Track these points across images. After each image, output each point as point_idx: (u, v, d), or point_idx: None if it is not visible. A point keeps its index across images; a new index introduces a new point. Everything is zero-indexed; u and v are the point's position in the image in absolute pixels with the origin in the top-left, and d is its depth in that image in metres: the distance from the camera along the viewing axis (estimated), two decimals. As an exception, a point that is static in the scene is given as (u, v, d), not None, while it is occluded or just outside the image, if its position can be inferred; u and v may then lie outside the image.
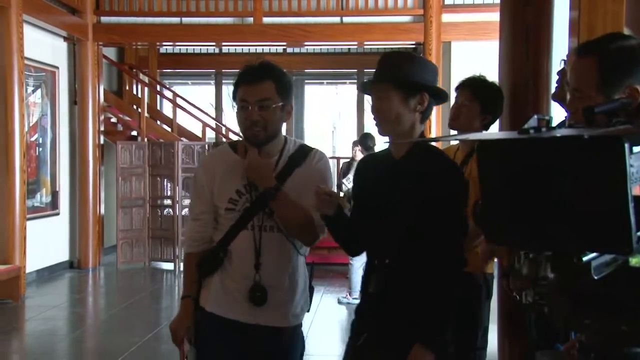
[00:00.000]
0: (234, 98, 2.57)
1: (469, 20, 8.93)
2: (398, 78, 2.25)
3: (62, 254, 9.06)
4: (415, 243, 2.26)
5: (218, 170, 2.68)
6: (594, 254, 1.34)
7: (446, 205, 2.23)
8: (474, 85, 3.02)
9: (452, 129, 3.09)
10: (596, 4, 2.83)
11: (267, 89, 2.49)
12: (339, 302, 7.25)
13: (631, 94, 1.63)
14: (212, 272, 2.67)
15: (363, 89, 2.49)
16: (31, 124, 8.27)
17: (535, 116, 1.62)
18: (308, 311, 2.76)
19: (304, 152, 2.67)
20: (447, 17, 8.91)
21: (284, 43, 10.16)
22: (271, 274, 2.59)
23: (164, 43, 10.63)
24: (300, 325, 2.74)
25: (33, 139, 8.31)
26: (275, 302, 2.60)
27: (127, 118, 10.07)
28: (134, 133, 9.92)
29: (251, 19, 9.20)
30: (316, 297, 8.00)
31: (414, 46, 9.49)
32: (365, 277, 2.50)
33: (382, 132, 2.36)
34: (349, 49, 11.00)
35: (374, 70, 2.35)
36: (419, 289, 2.25)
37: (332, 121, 14.34)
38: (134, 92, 10.81)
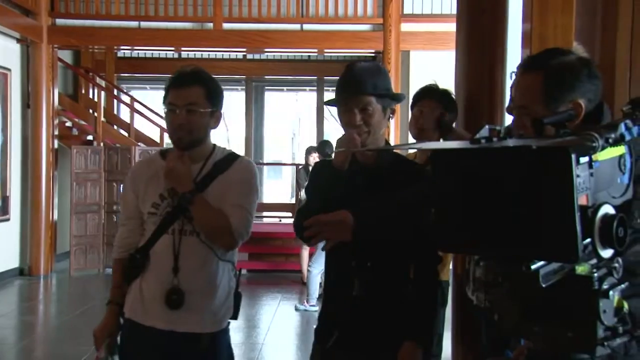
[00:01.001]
0: (164, 101, 2.60)
1: (428, 30, 9.12)
2: (377, 90, 2.33)
3: (12, 261, 9.00)
4: (395, 245, 2.31)
5: (144, 176, 2.72)
6: (542, 262, 1.37)
7: (421, 207, 2.18)
8: (434, 93, 3.08)
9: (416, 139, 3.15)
10: (547, 17, 2.93)
11: (195, 94, 2.54)
12: (296, 309, 7.31)
13: (575, 107, 1.70)
14: (134, 277, 2.70)
15: (333, 102, 2.50)
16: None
17: (487, 126, 1.65)
18: (234, 318, 2.77)
19: (230, 159, 2.71)
20: (405, 27, 9.09)
21: (244, 49, 10.26)
22: (189, 278, 2.62)
23: (122, 47, 10.59)
24: (224, 331, 2.75)
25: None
26: (192, 306, 2.62)
27: (83, 122, 10.07)
28: (90, 137, 9.93)
29: (211, 25, 9.25)
30: (273, 304, 7.77)
31: (373, 54, 9.64)
32: (337, 280, 2.53)
33: (361, 143, 2.36)
34: (309, 56, 11.12)
35: (339, 78, 2.42)
36: (401, 290, 2.35)
37: (292, 128, 14.48)
38: (90, 96, 10.79)
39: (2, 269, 8.79)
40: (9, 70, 8.78)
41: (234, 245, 2.69)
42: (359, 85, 2.36)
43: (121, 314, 2.73)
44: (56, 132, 9.38)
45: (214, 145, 2.75)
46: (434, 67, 7.78)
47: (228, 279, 2.74)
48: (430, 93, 3.07)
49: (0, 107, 8.61)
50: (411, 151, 3.27)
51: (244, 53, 10.87)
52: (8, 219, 8.84)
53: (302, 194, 7.18)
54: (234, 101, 12.98)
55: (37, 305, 8.10)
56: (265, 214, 11.21)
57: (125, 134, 10.12)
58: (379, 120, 2.36)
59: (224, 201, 2.60)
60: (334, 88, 2.74)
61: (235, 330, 6.17)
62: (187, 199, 2.56)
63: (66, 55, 10.42)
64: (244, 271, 8.65)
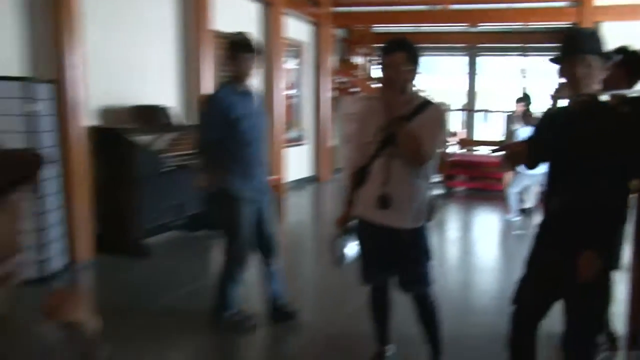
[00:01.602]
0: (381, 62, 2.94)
1: (619, 3, 9.15)
2: (592, 50, 2.39)
3: (309, 171, 11.00)
4: (594, 174, 2.38)
5: (365, 115, 3.12)
6: None
7: (623, 145, 2.37)
8: (624, 54, 3.02)
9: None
10: None
11: (400, 57, 2.84)
12: (502, 219, 7.92)
13: None
14: (359, 185, 3.08)
15: (556, 59, 2.49)
16: (288, 83, 9.84)
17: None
18: (429, 220, 3.05)
19: (427, 104, 2.97)
20: (598, 1, 9.35)
21: (466, 24, 11.32)
22: (394, 188, 2.93)
23: (375, 25, 11.88)
24: (421, 228, 3.01)
25: (289, 93, 10.01)
26: (397, 208, 2.94)
27: (351, 79, 11.66)
28: (355, 89, 11.49)
29: (440, 6, 10.32)
30: (483, 214, 9.18)
31: (570, 25, 9.84)
32: (547, 198, 2.69)
33: (573, 93, 2.44)
34: (516, 27, 11.26)
35: (563, 40, 2.50)
36: (594, 209, 2.37)
37: (501, 84, 14.22)
38: (356, 60, 12.34)
39: (304, 176, 10.64)
40: (305, 43, 10.64)
41: (423, 165, 2.92)
42: (578, 45, 2.41)
43: (352, 210, 3.16)
44: (334, 86, 11.22)
45: (415, 92, 3.01)
46: (625, 37, 7.91)
47: (424, 190, 3.00)
48: (620, 52, 3.00)
49: (299, 68, 10.54)
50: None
51: (466, 27, 11.62)
52: (305, 144, 10.82)
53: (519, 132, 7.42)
54: (457, 63, 13.58)
55: (325, 200, 10.01)
56: (477, 147, 11.90)
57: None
58: (593, 73, 2.38)
59: (420, 133, 2.82)
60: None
61: (454, 230, 7.79)
62: (397, 123, 2.83)
63: (340, 32, 12.01)
64: (461, 188, 10.25)
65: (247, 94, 3.78)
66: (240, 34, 3.76)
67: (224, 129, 3.67)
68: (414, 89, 2.99)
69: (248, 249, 3.91)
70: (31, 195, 0.97)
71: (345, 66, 11.90)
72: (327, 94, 11.11)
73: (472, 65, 13.39)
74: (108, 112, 6.16)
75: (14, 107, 4.70)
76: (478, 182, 10.15)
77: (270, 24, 9.08)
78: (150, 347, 3.80)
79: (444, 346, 3.26)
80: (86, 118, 5.60)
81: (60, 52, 5.29)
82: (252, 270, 4.06)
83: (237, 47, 3.69)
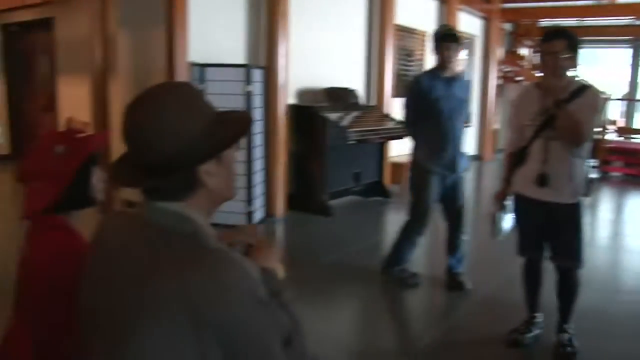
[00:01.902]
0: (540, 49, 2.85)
1: None
2: None
3: (472, 151, 10.59)
4: None
5: (524, 100, 3.04)
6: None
7: None
8: None
9: None
10: None
11: (559, 45, 2.76)
12: None
13: None
14: (517, 165, 3.04)
15: None
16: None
17: None
18: (586, 196, 2.94)
19: (583, 89, 2.86)
20: None
21: (632, 17, 10.55)
22: (553, 167, 2.87)
23: (541, 19, 11.31)
24: (577, 204, 2.92)
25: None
26: (554, 185, 2.89)
27: (516, 69, 11.32)
28: (520, 79, 11.17)
29: (606, 1, 9.83)
30: (634, 199, 8.43)
31: None
32: None
33: None
34: None
35: None
36: None
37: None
38: (521, 52, 11.78)
39: (468, 155, 10.50)
40: (475, 36, 10.63)
41: (580, 146, 2.85)
42: None
43: (510, 187, 3.12)
44: (499, 75, 11.08)
45: (572, 77, 2.89)
46: None
47: (580, 169, 2.91)
48: None
49: (469, 59, 10.48)
50: None
51: (631, 20, 10.87)
52: (470, 126, 10.21)
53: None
54: (619, 55, 12.82)
55: (487, 177, 9.64)
56: (635, 136, 11.05)
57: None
58: None
59: (578, 116, 2.75)
60: None
61: (606, 212, 7.22)
62: (557, 105, 2.77)
63: (507, 26, 11.72)
64: (618, 174, 9.68)
65: (450, 79, 3.84)
66: (443, 26, 3.86)
67: (423, 109, 3.81)
68: (573, 77, 2.90)
69: (428, 217, 3.99)
70: (239, 152, 1.09)
71: (511, 57, 11.56)
72: (492, 82, 10.94)
73: (635, 57, 12.43)
74: (305, 93, 6.56)
75: (237, 88, 5.20)
76: (634, 168, 9.64)
77: (446, 19, 9.03)
78: (323, 291, 4.01)
79: (591, 321, 3.18)
80: (288, 97, 5.99)
81: (272, 44, 5.74)
82: (433, 237, 4.12)
83: (439, 37, 3.79)
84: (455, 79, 3.87)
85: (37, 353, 1.41)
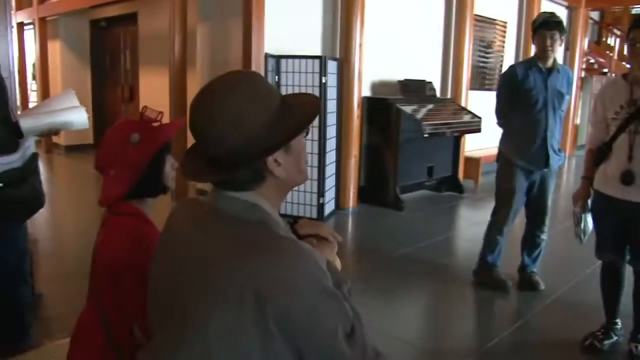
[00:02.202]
0: (626, 38, 2.73)
1: None
2: None
3: None
4: None
5: (609, 92, 2.87)
6: None
7: None
8: None
9: None
10: None
11: None
12: None
13: None
14: (601, 162, 2.88)
15: None
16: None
17: None
18: None
19: None
20: None
21: None
22: (639, 164, 2.69)
23: (635, 6, 10.92)
24: None
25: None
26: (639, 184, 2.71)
27: (602, 60, 10.93)
28: (605, 70, 10.79)
29: None
30: None
31: None
32: None
33: None
34: None
35: None
36: None
37: None
38: (609, 42, 11.50)
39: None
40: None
41: None
42: None
43: (591, 185, 2.97)
44: (584, 66, 10.54)
45: None
46: None
47: None
48: None
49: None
50: None
51: None
52: None
53: None
54: None
55: (568, 174, 9.17)
56: None
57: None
58: None
59: None
60: None
61: None
62: None
63: (594, 15, 11.28)
64: None
65: (549, 69, 3.60)
66: (544, 13, 3.64)
67: (516, 100, 3.64)
68: None
69: (509, 214, 3.80)
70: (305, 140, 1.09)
71: (597, 47, 11.13)
72: (575, 74, 10.27)
73: None
74: (380, 85, 6.49)
75: (312, 80, 5.20)
76: None
77: (529, 8, 8.70)
78: (391, 286, 3.94)
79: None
80: (362, 89, 5.92)
81: (349, 35, 5.71)
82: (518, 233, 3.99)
83: (539, 24, 3.55)
84: (554, 70, 3.60)
85: (109, 336, 1.44)
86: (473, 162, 7.61)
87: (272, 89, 1.14)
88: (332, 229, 1.31)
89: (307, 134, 1.18)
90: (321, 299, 1.00)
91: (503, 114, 3.79)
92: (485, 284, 3.91)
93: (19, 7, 9.81)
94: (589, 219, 3.04)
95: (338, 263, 1.29)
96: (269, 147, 1.07)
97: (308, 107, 1.16)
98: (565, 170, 9.59)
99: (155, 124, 1.60)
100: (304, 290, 0.99)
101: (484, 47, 8.43)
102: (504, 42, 8.78)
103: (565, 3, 9.99)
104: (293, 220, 1.27)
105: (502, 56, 8.81)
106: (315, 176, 5.33)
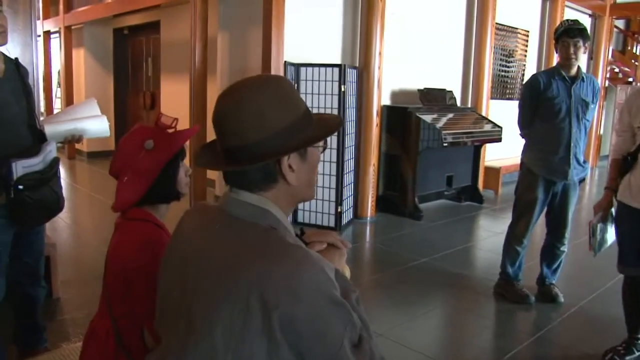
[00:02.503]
0: None
1: None
2: None
3: None
4: None
5: (636, 101, 2.82)
6: None
7: None
8: None
9: None
10: None
11: None
12: None
13: None
14: (625, 172, 2.81)
15: None
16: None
17: None
18: None
19: None
20: None
21: None
22: None
23: None
24: None
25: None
26: None
27: (627, 69, 10.78)
28: (630, 79, 10.63)
29: None
30: None
31: None
32: None
33: None
34: None
35: None
36: None
37: None
38: (634, 50, 11.39)
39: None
40: None
41: None
42: None
43: (614, 196, 2.91)
44: (607, 75, 10.43)
45: None
46: None
47: None
48: None
49: None
50: None
51: None
52: None
53: None
54: None
55: (590, 185, 8.88)
56: None
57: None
58: None
59: None
60: None
61: None
62: None
63: (619, 23, 11.12)
64: None
65: (573, 78, 3.55)
66: (567, 20, 3.60)
67: (537, 108, 3.60)
68: None
69: (530, 224, 3.75)
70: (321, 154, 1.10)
71: (622, 56, 10.95)
72: (599, 83, 10.12)
73: None
74: (399, 93, 6.48)
75: (331, 88, 5.21)
76: None
77: (552, 17, 8.62)
78: (408, 296, 3.91)
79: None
80: (381, 98, 5.92)
81: (368, 44, 5.72)
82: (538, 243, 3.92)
83: (558, 33, 3.51)
84: (578, 78, 3.55)
85: (120, 340, 1.45)
86: (493, 172, 7.54)
87: (299, 98, 1.17)
88: (342, 236, 1.31)
89: (324, 149, 1.20)
90: (327, 308, 1.00)
91: (526, 125, 3.74)
92: (506, 297, 3.86)
93: (46, 16, 10.01)
94: (610, 231, 2.97)
95: (347, 271, 1.29)
96: (286, 147, 1.09)
97: (330, 122, 1.20)
98: (588, 181, 9.38)
99: (170, 131, 1.61)
100: (310, 299, 0.98)
101: (506, 56, 8.37)
102: (526, 51, 8.71)
103: (590, 11, 9.88)
104: (300, 232, 1.27)
105: (524, 65, 8.74)
106: (333, 185, 5.33)
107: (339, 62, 5.64)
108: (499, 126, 6.74)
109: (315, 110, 5.19)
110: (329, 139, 5.54)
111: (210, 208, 1.21)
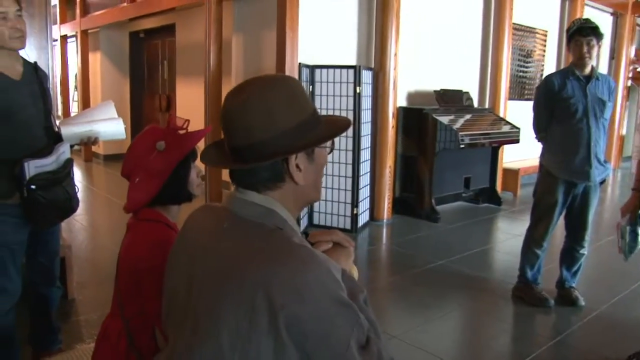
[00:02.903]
0: None
1: None
2: None
3: None
4: None
5: None
6: None
7: None
8: None
9: None
10: None
11: None
12: None
13: None
14: None
15: None
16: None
17: None
18: None
19: None
20: None
21: None
22: None
23: None
24: None
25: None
26: None
27: None
28: None
29: None
30: None
31: None
32: None
33: None
34: None
35: None
36: None
37: None
38: None
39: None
40: (602, 34, 9.99)
41: None
42: None
43: None
44: (630, 75, 10.27)
45: None
46: None
47: None
48: None
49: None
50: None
51: None
52: None
53: None
54: None
55: (614, 187, 8.65)
56: None
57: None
58: None
59: None
60: None
61: None
62: None
63: None
64: None
65: (588, 77, 3.52)
66: (578, 19, 3.57)
67: (553, 110, 3.57)
68: None
69: (550, 226, 3.70)
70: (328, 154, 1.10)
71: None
72: (621, 83, 10.04)
73: None
74: (415, 95, 6.45)
75: (346, 90, 5.21)
76: None
77: (571, 16, 8.51)
78: (424, 299, 3.89)
79: None
80: (397, 99, 5.90)
81: (384, 45, 5.72)
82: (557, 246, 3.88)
83: (570, 32, 3.50)
84: (594, 77, 3.51)
85: (131, 340, 1.46)
86: (512, 174, 7.48)
87: (308, 99, 1.17)
88: (357, 239, 1.30)
89: (331, 150, 1.20)
90: (333, 309, 0.99)
91: (542, 128, 3.70)
92: (524, 300, 3.82)
93: (63, 21, 10.15)
94: (637, 233, 2.94)
95: (355, 272, 1.28)
96: (294, 147, 1.09)
97: (338, 123, 1.20)
98: (610, 182, 9.24)
99: (182, 132, 1.62)
100: (316, 299, 0.98)
101: (524, 56, 8.30)
102: (544, 51, 8.63)
103: (611, 9, 9.73)
104: (305, 234, 1.26)
105: (543, 65, 8.66)
106: (349, 187, 5.32)
107: (354, 63, 5.64)
108: (517, 127, 6.69)
109: (330, 112, 5.19)
110: (342, 140, 5.48)
111: (216, 208, 1.21)
